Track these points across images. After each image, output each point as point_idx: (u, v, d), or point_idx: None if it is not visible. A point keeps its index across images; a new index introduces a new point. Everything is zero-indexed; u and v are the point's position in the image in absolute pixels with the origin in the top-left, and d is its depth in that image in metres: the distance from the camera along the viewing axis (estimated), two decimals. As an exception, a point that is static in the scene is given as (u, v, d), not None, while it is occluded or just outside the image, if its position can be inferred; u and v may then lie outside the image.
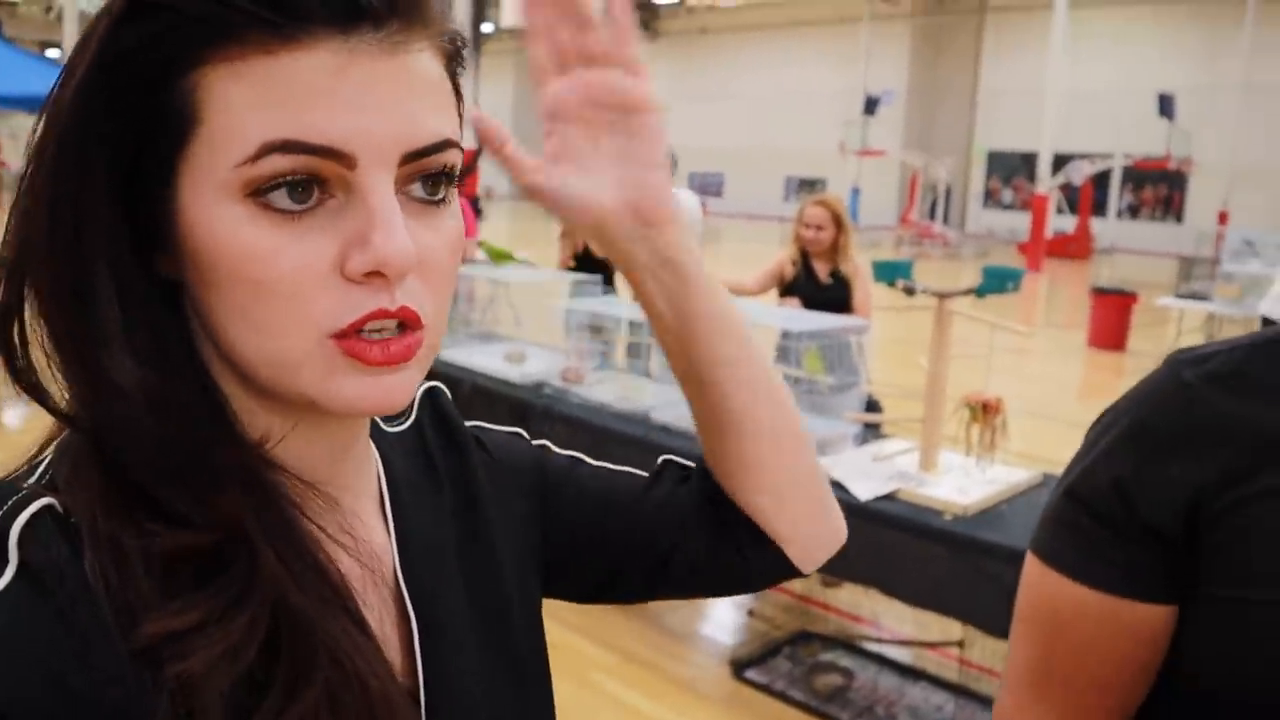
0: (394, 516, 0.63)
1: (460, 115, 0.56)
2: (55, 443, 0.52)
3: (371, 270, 0.48)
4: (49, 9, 27.62)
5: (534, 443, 0.78)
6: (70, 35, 18.10)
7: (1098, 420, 0.88)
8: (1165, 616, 0.80)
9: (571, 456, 0.79)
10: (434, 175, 0.52)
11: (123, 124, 0.48)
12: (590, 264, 5.03)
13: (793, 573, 0.77)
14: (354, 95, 0.47)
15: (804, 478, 0.75)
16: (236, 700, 0.46)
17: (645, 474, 0.80)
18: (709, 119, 37.54)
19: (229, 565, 0.48)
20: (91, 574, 0.45)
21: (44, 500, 0.47)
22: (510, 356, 4.26)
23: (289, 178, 0.47)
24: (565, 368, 3.98)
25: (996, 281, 3.10)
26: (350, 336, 0.49)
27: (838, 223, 4.20)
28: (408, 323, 0.50)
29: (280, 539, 0.50)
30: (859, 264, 4.23)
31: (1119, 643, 0.82)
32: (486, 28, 32.76)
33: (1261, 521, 0.75)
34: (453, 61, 0.54)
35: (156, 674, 0.44)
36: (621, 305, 4.17)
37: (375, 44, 0.47)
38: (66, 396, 0.50)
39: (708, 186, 38.79)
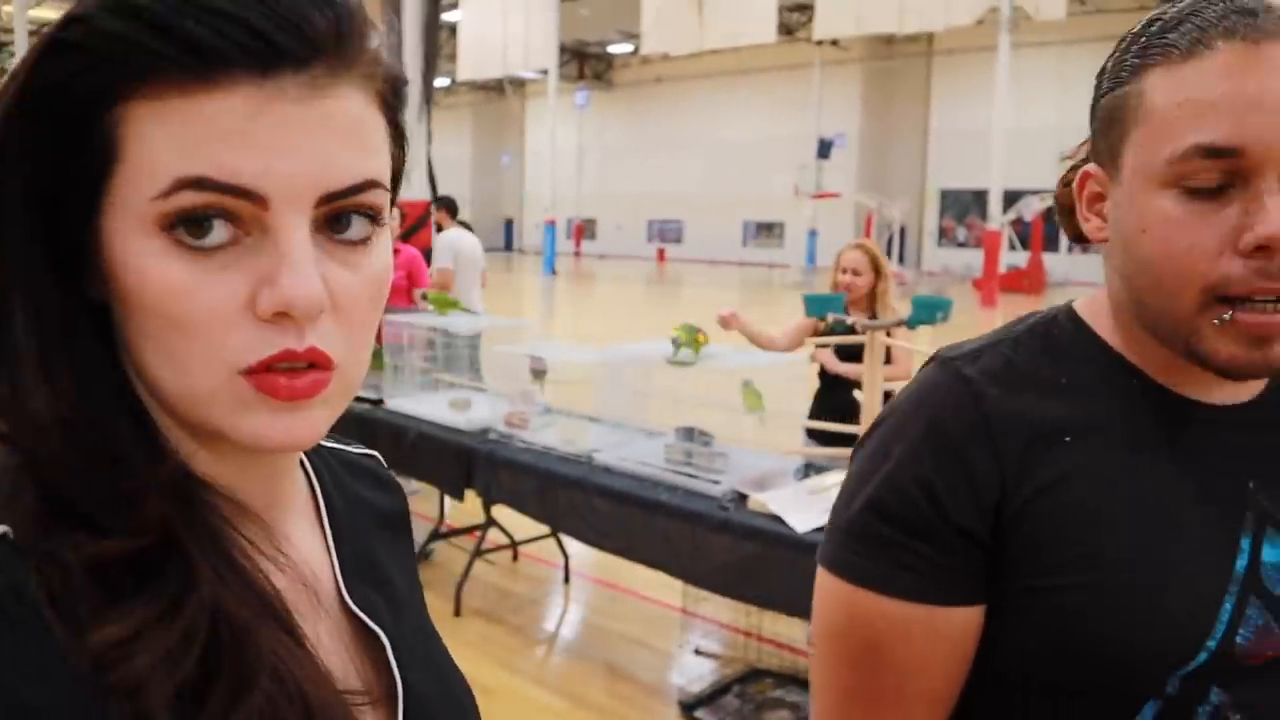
0: (333, 533, 0.64)
1: (400, 154, 0.57)
2: None
3: (279, 311, 0.48)
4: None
5: None
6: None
7: (873, 432, 0.88)
8: (978, 617, 0.82)
9: None
10: (356, 216, 0.52)
11: (44, 155, 0.49)
12: None
13: None
14: (268, 137, 0.47)
15: None
16: (181, 713, 0.46)
17: None
18: (666, 166, 37.90)
19: (162, 572, 0.48)
20: (38, 593, 0.45)
21: None
22: (455, 404, 4.26)
23: (201, 214, 0.47)
24: (509, 412, 3.99)
25: (926, 312, 3.14)
26: (260, 372, 0.49)
27: (876, 268, 3.95)
28: (317, 363, 0.50)
29: (212, 551, 0.51)
30: (899, 311, 3.79)
31: (941, 652, 0.82)
32: (442, 81, 32.99)
33: (1058, 509, 0.78)
34: (390, 100, 0.54)
35: (105, 684, 0.45)
36: (556, 347, 4.19)
37: (296, 86, 0.48)
38: None
39: (667, 233, 39.08)
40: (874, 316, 3.84)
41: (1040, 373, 0.84)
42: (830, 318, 3.14)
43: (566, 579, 4.55)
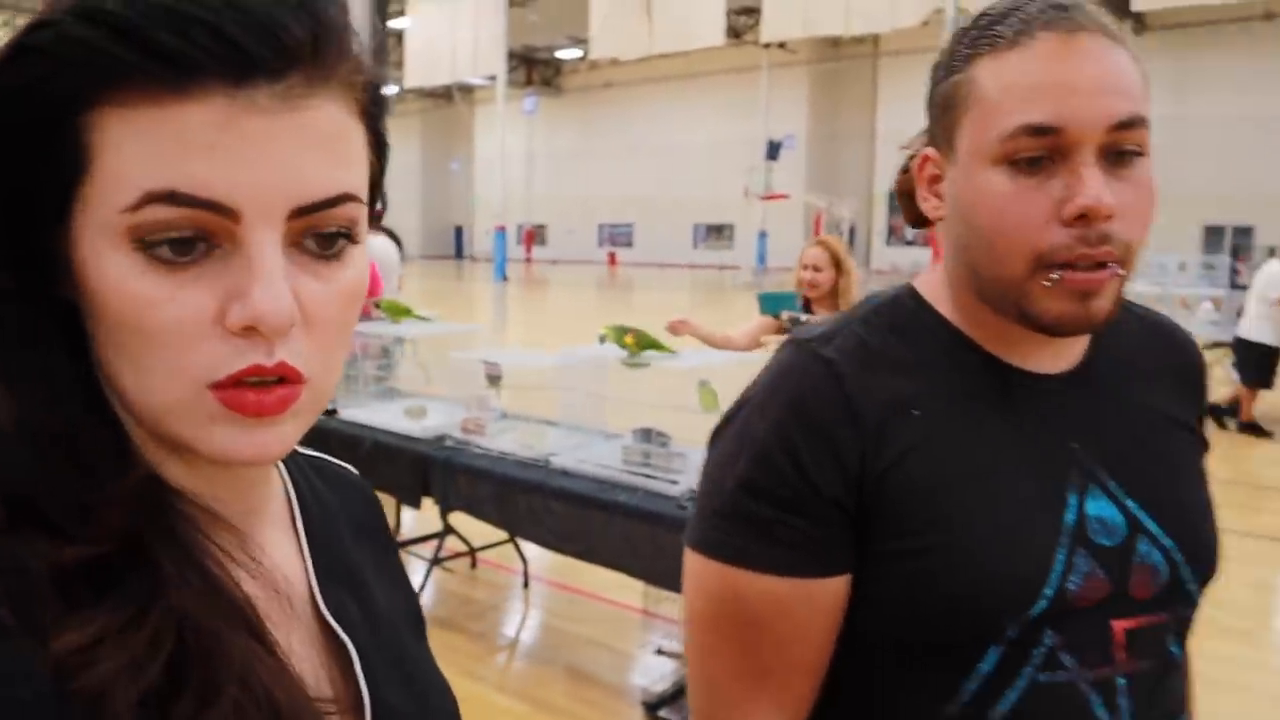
0: (308, 540, 0.64)
1: (380, 162, 0.56)
2: None
3: (248, 325, 0.48)
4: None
5: None
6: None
7: (734, 416, 0.92)
8: (847, 585, 0.87)
9: None
10: (330, 228, 0.51)
11: (13, 161, 0.48)
12: None
13: None
14: (240, 149, 0.46)
15: None
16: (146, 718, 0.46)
17: None
18: (617, 171, 37.94)
19: (128, 579, 0.48)
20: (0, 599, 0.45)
21: None
22: (410, 412, 4.22)
23: (170, 228, 0.47)
24: (465, 418, 3.96)
25: (877, 309, 3.17)
26: (229, 387, 0.49)
27: (837, 264, 3.90)
28: (286, 378, 0.50)
29: (178, 556, 0.50)
30: None
31: (818, 621, 0.87)
32: (391, 89, 32.78)
33: (908, 480, 0.85)
34: (370, 109, 0.53)
35: (68, 691, 0.44)
36: (512, 352, 4.18)
37: (270, 97, 0.47)
38: None
39: (618, 237, 39.11)
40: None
41: (889, 351, 0.90)
42: (785, 315, 3.16)
43: (526, 584, 4.54)
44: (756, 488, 0.86)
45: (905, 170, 1.00)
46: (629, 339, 3.57)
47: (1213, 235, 24.17)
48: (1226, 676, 3.79)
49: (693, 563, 0.90)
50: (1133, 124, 0.80)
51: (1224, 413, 8.38)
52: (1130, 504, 0.88)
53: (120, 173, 0.46)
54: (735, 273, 29.94)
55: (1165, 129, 26.81)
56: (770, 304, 3.32)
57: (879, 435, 0.85)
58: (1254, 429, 8.16)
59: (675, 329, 3.89)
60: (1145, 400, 0.95)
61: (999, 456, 0.87)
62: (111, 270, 0.47)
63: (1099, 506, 0.87)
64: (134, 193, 0.46)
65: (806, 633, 0.87)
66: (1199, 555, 0.89)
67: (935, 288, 0.94)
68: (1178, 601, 0.88)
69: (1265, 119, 23.67)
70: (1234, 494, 6.81)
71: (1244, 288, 9.05)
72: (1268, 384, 8.20)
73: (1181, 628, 0.90)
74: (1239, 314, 8.55)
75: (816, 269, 3.90)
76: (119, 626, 0.46)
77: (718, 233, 35.99)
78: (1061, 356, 0.91)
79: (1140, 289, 10.31)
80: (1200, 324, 9.63)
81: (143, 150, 0.46)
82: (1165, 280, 10.31)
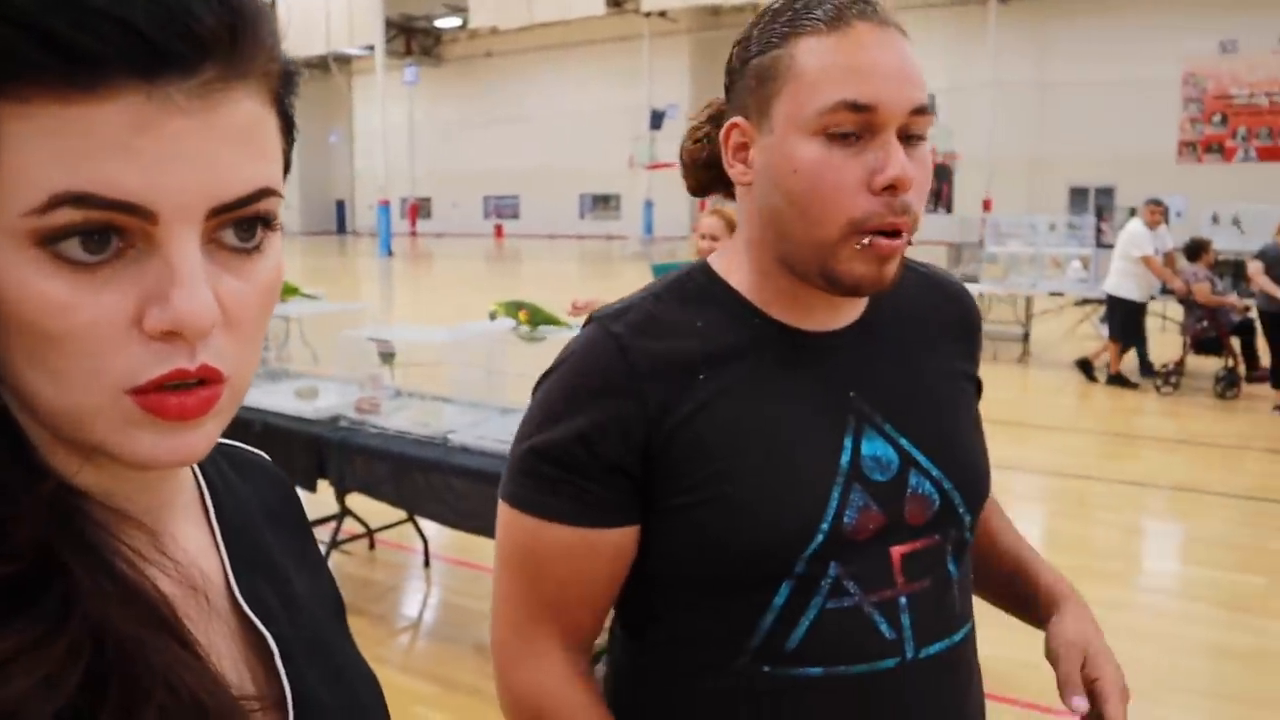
0: (221, 531, 0.62)
1: (288, 143, 0.54)
2: None
3: (169, 330, 0.46)
4: None
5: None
6: None
7: (542, 380, 1.01)
8: (632, 535, 0.97)
9: None
10: (248, 223, 0.49)
11: None
12: None
13: None
14: (155, 149, 0.44)
15: None
16: None
17: None
18: (501, 142, 37.51)
19: (41, 593, 0.46)
20: None
21: None
22: (301, 393, 4.14)
23: (82, 230, 0.44)
24: (359, 398, 3.91)
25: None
26: (149, 392, 0.47)
27: (732, 232, 3.77)
28: (208, 379, 0.48)
29: (91, 564, 0.48)
30: None
31: (598, 566, 0.97)
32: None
33: (694, 437, 0.93)
34: (282, 92, 0.52)
35: None
36: (404, 329, 4.13)
37: (184, 92, 0.45)
38: None
39: (503, 209, 38.74)
40: None
41: (678, 321, 0.98)
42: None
43: (426, 563, 4.51)
44: (545, 453, 0.95)
45: (696, 141, 1.09)
46: (522, 315, 3.57)
47: (1077, 196, 25.13)
48: (1098, 617, 4.00)
49: (499, 511, 1.00)
50: (924, 110, 0.90)
51: (1093, 366, 8.79)
52: (903, 441, 0.98)
53: (24, 173, 0.44)
54: (623, 242, 29.99)
55: (1031, 95, 27.62)
56: (662, 273, 3.35)
57: (664, 401, 0.93)
58: (1121, 381, 8.57)
59: (579, 312, 3.92)
60: (920, 347, 1.05)
61: (782, 411, 0.95)
62: (17, 274, 0.45)
63: (873, 446, 0.96)
64: (40, 195, 0.43)
65: (589, 575, 0.97)
66: (967, 482, 1.00)
67: (727, 264, 1.02)
68: (951, 525, 0.99)
69: (1123, 83, 24.67)
70: (1103, 444, 7.17)
71: (1109, 246, 9.45)
72: (1133, 338, 8.61)
73: (958, 548, 1.00)
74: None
75: (714, 238, 3.92)
76: (32, 642, 0.45)
77: (604, 203, 35.97)
78: (842, 314, 1.00)
79: (1014, 250, 10.70)
80: (1070, 282, 10.05)
81: (48, 150, 0.43)
82: (1037, 240, 10.70)
